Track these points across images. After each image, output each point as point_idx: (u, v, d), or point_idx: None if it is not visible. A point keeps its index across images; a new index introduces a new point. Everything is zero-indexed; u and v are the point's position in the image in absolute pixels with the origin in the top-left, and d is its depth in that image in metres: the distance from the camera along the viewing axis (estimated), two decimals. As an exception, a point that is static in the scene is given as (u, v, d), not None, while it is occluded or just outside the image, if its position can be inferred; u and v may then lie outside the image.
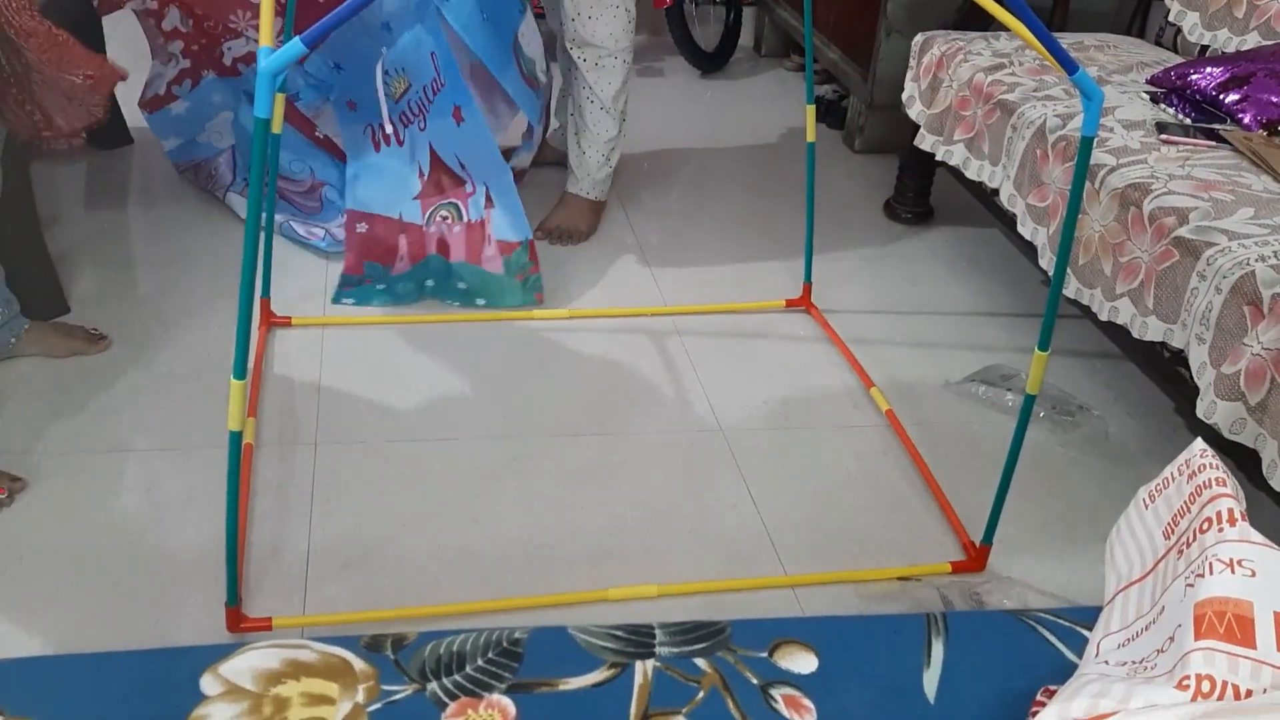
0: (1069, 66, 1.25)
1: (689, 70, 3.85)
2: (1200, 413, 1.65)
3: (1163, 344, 1.79)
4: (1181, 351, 1.74)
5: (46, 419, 1.88)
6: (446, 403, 2.03)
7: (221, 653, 1.02)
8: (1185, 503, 0.92)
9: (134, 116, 2.91)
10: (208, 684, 0.99)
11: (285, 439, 1.90)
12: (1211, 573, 0.85)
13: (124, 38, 2.83)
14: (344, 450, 1.88)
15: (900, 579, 1.70)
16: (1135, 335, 1.83)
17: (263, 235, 2.11)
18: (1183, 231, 1.74)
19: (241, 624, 1.49)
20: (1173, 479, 0.96)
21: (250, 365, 2.01)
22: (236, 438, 1.35)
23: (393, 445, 1.91)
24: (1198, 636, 0.82)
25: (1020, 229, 2.17)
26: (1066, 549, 1.80)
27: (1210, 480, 0.92)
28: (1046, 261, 2.08)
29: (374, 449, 1.89)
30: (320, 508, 1.75)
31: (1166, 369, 1.88)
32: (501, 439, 1.95)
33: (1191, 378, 1.69)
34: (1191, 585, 0.86)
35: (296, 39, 1.11)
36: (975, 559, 1.72)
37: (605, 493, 1.84)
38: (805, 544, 1.76)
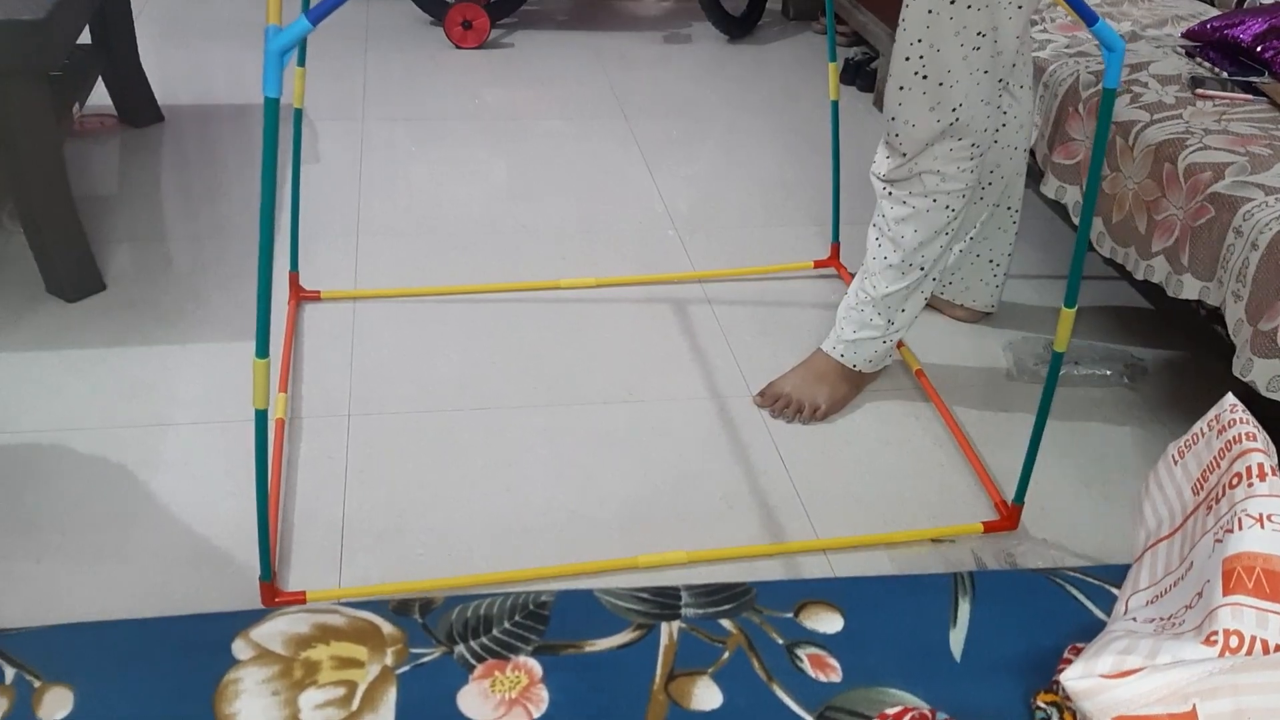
0: (1089, 17, 1.23)
1: (717, 36, 3.82)
2: (1237, 370, 1.63)
3: (1199, 301, 1.77)
4: (1218, 309, 1.71)
5: (84, 394, 1.91)
6: (477, 373, 2.04)
7: (253, 618, 1.04)
8: (1215, 458, 0.91)
9: (164, 94, 2.93)
10: (239, 648, 1.00)
11: (318, 412, 1.91)
12: (1241, 528, 0.84)
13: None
14: (377, 422, 1.90)
15: (933, 540, 1.69)
16: (1170, 294, 1.80)
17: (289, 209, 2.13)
18: (1218, 187, 1.71)
19: (276, 598, 1.51)
20: (1203, 434, 0.94)
21: (282, 340, 2.04)
22: (262, 416, 1.35)
23: (425, 416, 1.92)
24: (1226, 592, 0.81)
25: (1043, 188, 2.14)
26: (1101, 508, 1.79)
27: (1240, 435, 0.90)
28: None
29: (406, 420, 1.91)
30: (354, 480, 1.76)
31: (1203, 327, 1.86)
32: (532, 407, 1.95)
33: (1228, 335, 1.67)
34: (1220, 540, 0.85)
35: (303, 16, 1.10)
36: (1007, 518, 1.71)
37: (636, 459, 1.84)
38: (837, 507, 1.76)
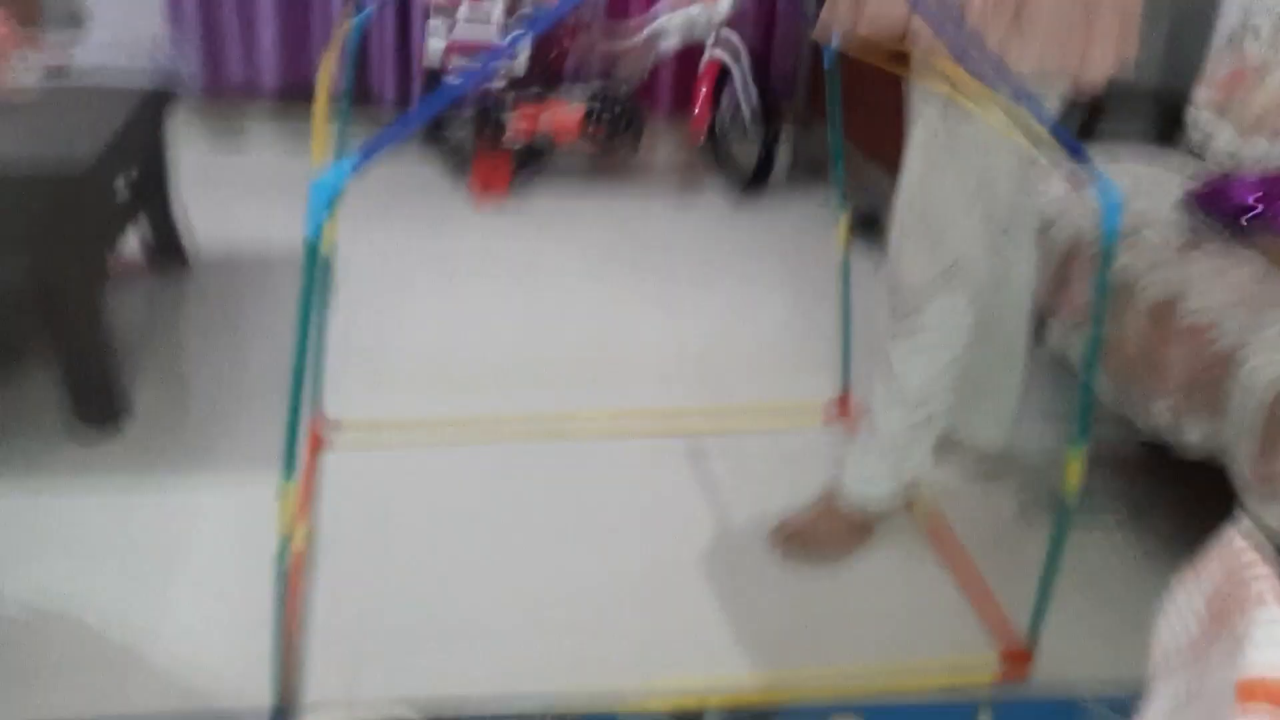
0: (1089, 171, 1.30)
1: (728, 191, 3.95)
2: (1242, 514, 1.64)
3: (1203, 447, 1.79)
4: (1223, 455, 1.74)
5: (108, 531, 1.93)
6: (489, 509, 2.06)
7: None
8: (1225, 584, 0.92)
9: (195, 239, 3.03)
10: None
11: (339, 539, 1.93)
12: (1252, 651, 0.85)
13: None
14: (390, 555, 1.91)
15: (946, 687, 1.68)
16: (1174, 440, 1.83)
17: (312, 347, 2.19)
18: (1220, 339, 1.75)
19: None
20: (1211, 563, 0.96)
21: (303, 469, 2.07)
22: (285, 543, 1.37)
23: (441, 549, 1.93)
24: (1242, 713, 0.82)
25: (1048, 335, 2.19)
26: (1111, 642, 1.78)
27: (1249, 563, 0.92)
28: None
29: (425, 544, 1.92)
30: (367, 609, 1.77)
31: (1206, 467, 1.88)
32: (543, 547, 1.97)
33: (1231, 479, 1.69)
34: (1232, 664, 0.86)
35: (345, 161, 1.17)
36: (1020, 661, 1.70)
37: (647, 599, 1.85)
38: (849, 649, 1.76)
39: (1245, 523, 0.98)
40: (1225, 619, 0.90)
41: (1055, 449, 2.36)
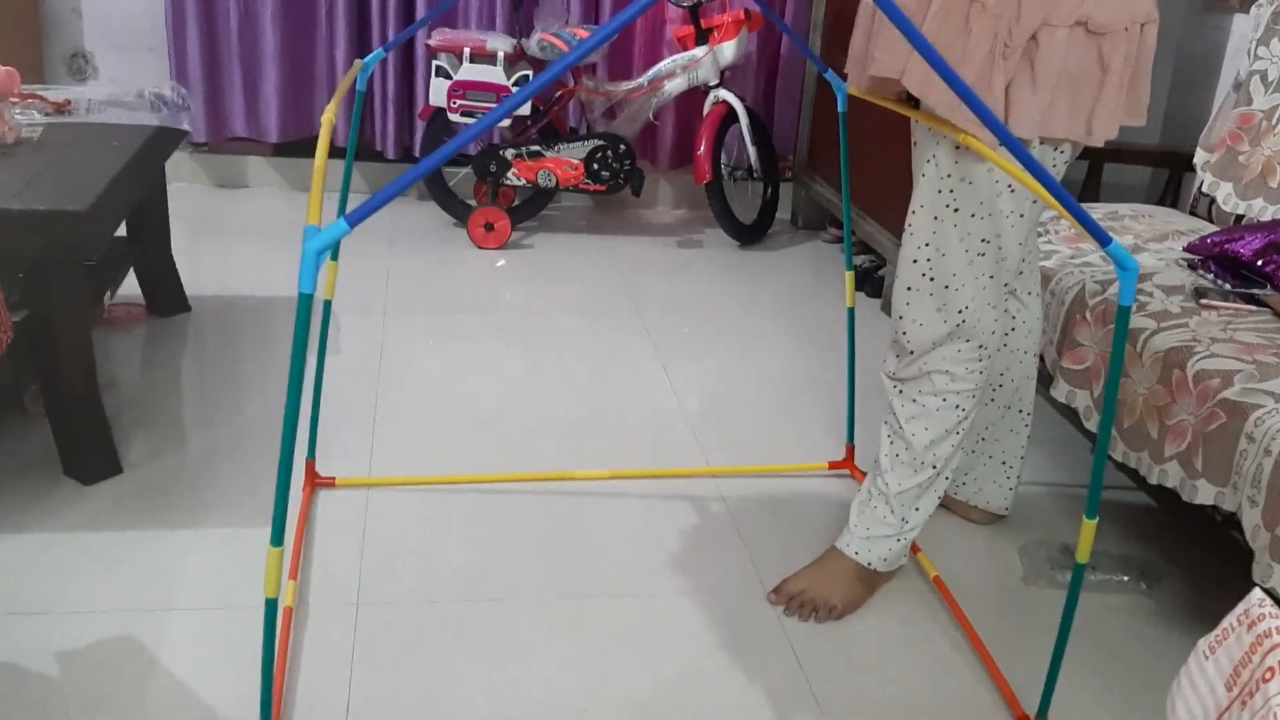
0: (1102, 239, 1.28)
1: (728, 242, 3.94)
2: (1256, 577, 1.61)
3: (1214, 506, 1.77)
4: (1234, 514, 1.71)
5: (94, 576, 1.89)
6: (486, 564, 2.02)
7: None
8: (1246, 653, 0.89)
9: (193, 286, 3.02)
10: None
11: (327, 600, 1.89)
12: (1277, 726, 0.82)
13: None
14: (385, 612, 1.87)
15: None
16: (1185, 499, 1.81)
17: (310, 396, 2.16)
18: (1228, 393, 1.73)
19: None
20: (1232, 629, 0.93)
21: (294, 526, 2.04)
22: (272, 605, 1.33)
23: (433, 606, 1.89)
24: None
25: (1053, 392, 2.17)
26: (1124, 713, 1.74)
27: (1271, 629, 0.89)
28: (1093, 424, 2.07)
29: (414, 610, 1.88)
30: (361, 670, 1.73)
31: (1220, 531, 1.85)
32: (542, 600, 1.93)
33: (1245, 539, 1.66)
34: (1258, 740, 0.83)
35: (341, 219, 1.15)
36: (1030, 728, 1.67)
37: (646, 656, 1.81)
38: (853, 711, 1.72)
39: (1260, 594, 0.95)
40: (1249, 694, 0.87)
41: (1062, 504, 2.33)
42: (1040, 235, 2.40)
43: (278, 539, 1.29)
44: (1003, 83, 1.62)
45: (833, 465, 2.41)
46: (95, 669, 1.69)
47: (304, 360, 1.21)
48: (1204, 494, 1.76)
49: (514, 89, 3.52)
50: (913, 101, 1.74)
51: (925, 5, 1.65)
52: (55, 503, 2.09)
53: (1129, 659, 1.88)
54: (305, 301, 1.17)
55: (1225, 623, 0.95)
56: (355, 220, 1.14)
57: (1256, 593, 0.93)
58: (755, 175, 3.90)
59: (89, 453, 2.16)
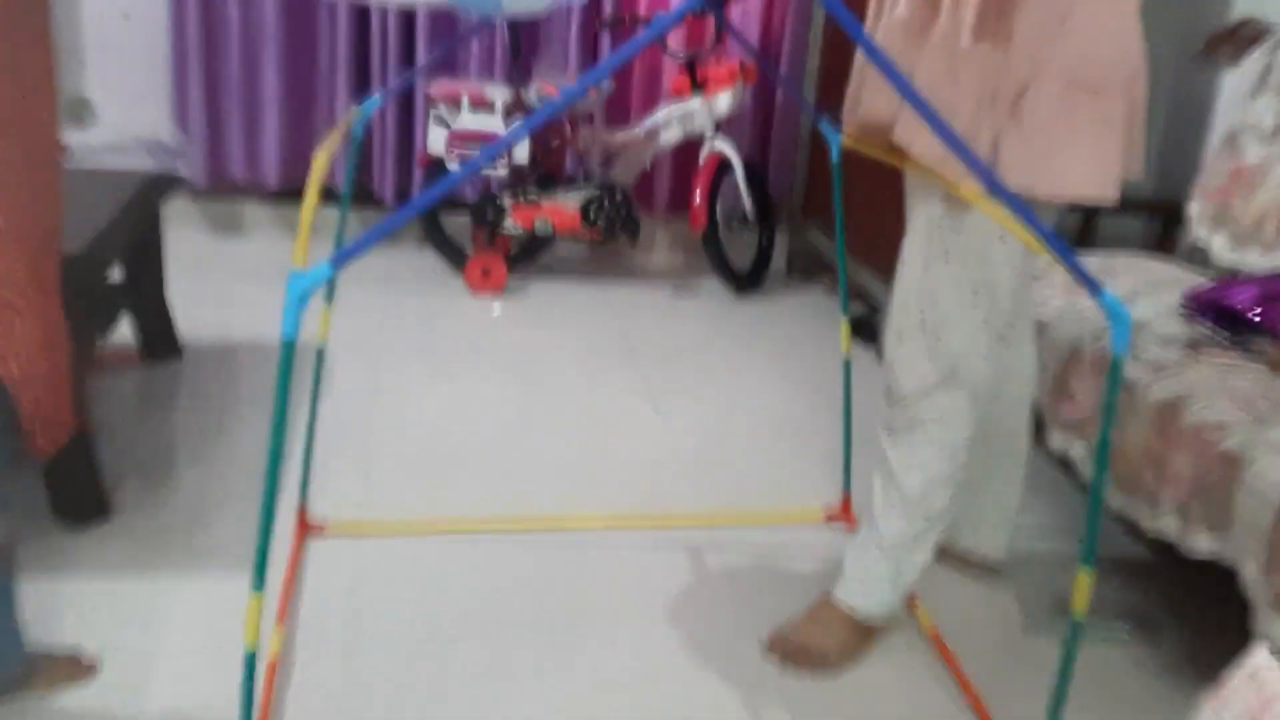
0: (1093, 288, 1.28)
1: (723, 289, 3.95)
2: (1256, 628, 1.60)
3: (1213, 555, 1.75)
4: (1233, 563, 1.70)
5: (81, 620, 1.87)
6: (478, 612, 2.00)
7: None
8: (1251, 710, 0.88)
9: (187, 329, 3.01)
10: None
11: (315, 648, 1.86)
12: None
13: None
14: (374, 659, 1.85)
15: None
16: (1183, 551, 1.79)
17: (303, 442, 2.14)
18: (1226, 444, 1.73)
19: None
20: (1237, 687, 0.92)
21: (284, 573, 2.02)
22: (251, 658, 1.29)
23: (424, 655, 1.87)
24: None
25: (1048, 441, 2.16)
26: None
27: (1276, 694, 0.88)
28: (1089, 473, 2.06)
29: (405, 659, 1.86)
30: (350, 709, 1.70)
31: (1218, 582, 1.83)
32: (534, 650, 1.91)
33: (1243, 590, 1.65)
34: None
35: (325, 262, 1.14)
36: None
37: (639, 706, 1.78)
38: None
39: (1263, 650, 0.94)
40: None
41: (1058, 555, 2.31)
42: (1037, 280, 2.40)
43: (259, 584, 1.26)
44: (990, 138, 1.63)
45: (829, 515, 2.39)
46: (79, 717, 1.66)
47: (287, 405, 1.20)
48: (1202, 545, 1.75)
49: (512, 137, 3.53)
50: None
51: (914, 57, 1.66)
52: (42, 546, 2.07)
53: (1128, 711, 1.86)
54: (288, 347, 1.16)
55: (1230, 680, 0.93)
56: (339, 262, 1.13)
57: (1261, 651, 0.92)
58: (751, 224, 3.91)
59: (79, 496, 2.14)
